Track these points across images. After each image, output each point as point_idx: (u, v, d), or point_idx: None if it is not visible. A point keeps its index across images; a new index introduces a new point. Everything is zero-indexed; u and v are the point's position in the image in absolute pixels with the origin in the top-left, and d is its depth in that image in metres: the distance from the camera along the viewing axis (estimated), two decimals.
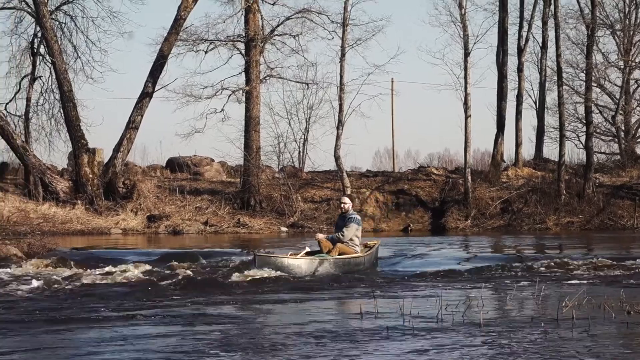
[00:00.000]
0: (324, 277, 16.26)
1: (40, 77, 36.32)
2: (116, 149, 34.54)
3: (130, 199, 34.01)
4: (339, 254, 17.45)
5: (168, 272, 16.23)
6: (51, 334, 9.80)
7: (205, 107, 39.81)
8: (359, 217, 18.15)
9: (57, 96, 35.25)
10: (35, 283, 14.44)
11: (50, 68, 35.43)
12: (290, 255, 17.41)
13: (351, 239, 17.70)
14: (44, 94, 36.44)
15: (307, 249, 17.78)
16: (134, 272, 16.10)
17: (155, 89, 34.96)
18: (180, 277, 15.35)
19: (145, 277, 15.49)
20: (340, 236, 17.59)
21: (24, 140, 34.52)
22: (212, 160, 42.09)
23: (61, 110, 35.02)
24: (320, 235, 18.18)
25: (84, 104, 35.51)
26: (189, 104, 35.25)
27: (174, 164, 41.42)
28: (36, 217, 29.76)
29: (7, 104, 35.73)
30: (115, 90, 59.20)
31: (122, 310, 11.54)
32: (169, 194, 35.49)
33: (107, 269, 16.41)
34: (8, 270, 16.39)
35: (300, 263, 16.85)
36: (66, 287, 14.04)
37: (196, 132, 35.66)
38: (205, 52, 35.54)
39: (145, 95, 34.77)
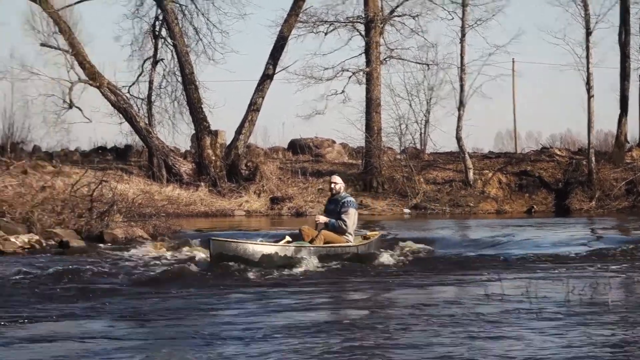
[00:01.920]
0: (301, 268, 14.38)
1: (162, 59, 36.65)
2: (238, 131, 34.68)
3: (253, 181, 34.12)
4: (325, 243, 15.46)
5: None
6: (190, 314, 9.79)
7: (325, 88, 39.76)
8: (354, 200, 16.23)
9: (179, 78, 35.54)
10: (161, 264, 14.55)
11: (171, 51, 35.72)
12: (260, 242, 15.67)
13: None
14: (166, 77, 36.76)
15: (288, 238, 15.74)
16: None
17: (276, 71, 34.97)
18: None
19: None
20: (343, 226, 15.54)
21: (147, 122, 34.93)
22: (334, 141, 42.03)
23: (183, 93, 35.30)
24: (322, 219, 15.88)
25: (205, 86, 35.62)
26: (310, 85, 35.26)
27: (295, 146, 41.51)
28: (160, 199, 30.01)
29: (130, 86, 36.19)
30: (237, 72, 59.56)
31: (252, 286, 11.92)
32: (291, 176, 35.50)
33: None
34: (134, 251, 16.56)
35: (268, 250, 14.76)
36: (192, 269, 13.99)
37: (317, 113, 35.73)
38: (325, 34, 35.43)
39: (266, 77, 34.79)
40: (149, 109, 36.16)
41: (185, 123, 36.47)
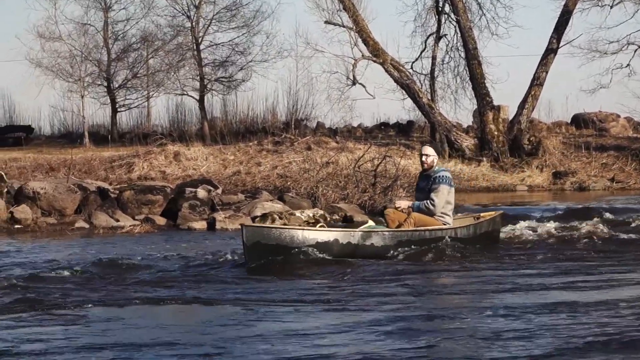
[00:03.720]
0: (372, 258, 11.90)
1: (445, 35, 36.60)
2: (521, 106, 34.09)
3: (535, 156, 33.45)
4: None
5: (574, 228, 15.56)
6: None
7: (610, 62, 38.21)
8: (450, 175, 13.14)
9: (462, 54, 35.37)
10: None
11: (455, 26, 35.57)
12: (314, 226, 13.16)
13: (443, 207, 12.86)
14: (449, 52, 36.72)
15: (370, 223, 13.10)
16: (544, 227, 15.61)
17: (560, 45, 34.10)
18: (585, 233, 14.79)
19: (556, 233, 14.98)
20: (430, 206, 12.65)
21: (429, 98, 35.02)
22: (618, 116, 40.63)
23: (466, 68, 35.09)
24: (402, 203, 13.12)
25: (488, 61, 35.29)
26: (594, 59, 34.26)
27: (578, 120, 40.47)
28: None
29: (413, 62, 36.41)
30: (520, 47, 58.62)
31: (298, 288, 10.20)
32: (575, 151, 34.57)
33: (513, 225, 16.10)
34: None
35: (325, 237, 11.96)
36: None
37: (601, 87, 34.65)
38: (611, 7, 34.11)
39: (550, 52, 33.97)
40: (432, 85, 36.25)
41: (467, 98, 36.35)
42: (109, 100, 42.99)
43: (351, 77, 34.17)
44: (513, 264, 11.94)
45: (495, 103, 34.29)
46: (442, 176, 12.79)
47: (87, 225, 18.01)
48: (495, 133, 33.58)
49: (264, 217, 18.39)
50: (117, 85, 43.06)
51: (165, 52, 41.46)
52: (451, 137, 33.89)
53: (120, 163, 27.73)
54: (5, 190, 20.16)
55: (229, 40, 41.56)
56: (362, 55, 34.04)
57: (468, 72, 34.81)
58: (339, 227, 13.49)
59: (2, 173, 21.54)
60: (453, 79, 36.67)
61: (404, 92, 34.77)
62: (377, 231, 12.39)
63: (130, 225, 17.83)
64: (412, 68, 35.96)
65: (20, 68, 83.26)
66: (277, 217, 18.26)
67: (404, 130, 40.32)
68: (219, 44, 41.65)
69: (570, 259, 12.35)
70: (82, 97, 42.19)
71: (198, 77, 40.97)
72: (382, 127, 41.74)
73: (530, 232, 15.12)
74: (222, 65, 41.47)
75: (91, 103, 43.30)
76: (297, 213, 18.21)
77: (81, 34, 42.50)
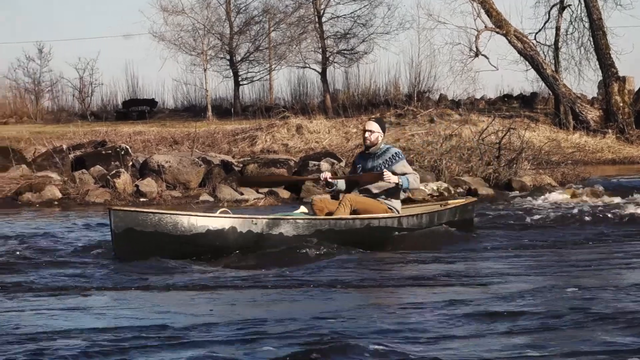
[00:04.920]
0: (280, 253, 9.94)
1: (569, 5, 35.86)
2: None
3: None
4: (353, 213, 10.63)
5: None
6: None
7: None
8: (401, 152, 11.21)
9: (586, 24, 34.67)
10: (573, 211, 14.22)
11: None
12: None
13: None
14: (572, 23, 35.98)
15: (303, 209, 11.06)
16: None
17: None
18: None
19: None
20: (415, 181, 10.84)
21: (553, 69, 34.43)
22: None
23: (590, 39, 34.39)
24: (392, 177, 10.66)
25: (613, 32, 34.49)
26: None
27: None
28: (567, 146, 29.57)
29: (536, 33, 35.84)
30: None
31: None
32: None
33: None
34: (543, 198, 16.49)
35: (218, 224, 9.96)
36: (606, 215, 13.62)
37: None
38: None
39: None
40: (556, 56, 35.63)
41: (592, 69, 35.63)
42: (231, 74, 43.47)
43: (474, 49, 33.89)
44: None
45: (620, 74, 33.53)
46: (398, 153, 10.98)
47: (211, 199, 18.27)
48: (621, 104, 32.90)
49: None
50: (239, 59, 43.50)
51: (287, 25, 41.69)
52: (576, 109, 33.34)
53: (243, 136, 28.04)
54: (131, 163, 20.61)
55: (351, 13, 41.57)
56: (485, 27, 33.67)
57: (592, 43, 34.14)
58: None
59: (127, 146, 22.01)
60: (577, 49, 35.99)
61: (527, 63, 34.33)
62: (288, 219, 10.36)
63: (254, 199, 18.01)
64: (535, 39, 35.43)
65: (144, 41, 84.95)
66: None
67: (527, 102, 39.77)
68: (340, 16, 41.70)
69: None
70: (205, 70, 42.78)
71: (320, 50, 41.09)
72: (506, 99, 41.24)
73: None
74: (343, 38, 41.51)
75: (214, 76, 43.93)
76: (421, 186, 18.13)
77: (204, 7, 43.05)
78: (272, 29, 43.05)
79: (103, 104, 46.76)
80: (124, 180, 19.08)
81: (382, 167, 10.72)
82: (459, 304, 7.17)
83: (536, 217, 13.71)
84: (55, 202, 18.76)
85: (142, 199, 18.70)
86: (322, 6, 41.25)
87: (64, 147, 22.91)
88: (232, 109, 40.85)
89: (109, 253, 10.01)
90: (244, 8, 44.04)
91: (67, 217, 15.55)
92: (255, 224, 10.08)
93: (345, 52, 41.57)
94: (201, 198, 18.39)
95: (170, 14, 42.53)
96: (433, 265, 9.58)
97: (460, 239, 11.28)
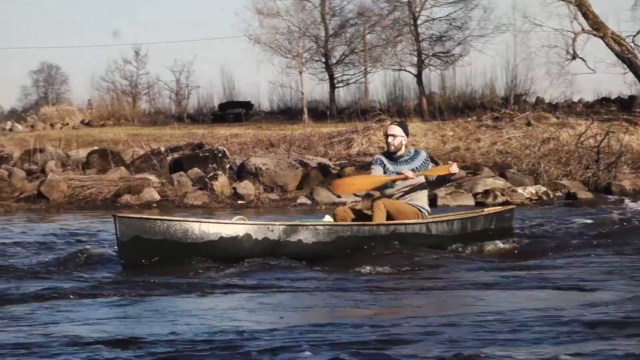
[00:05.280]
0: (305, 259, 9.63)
1: None
2: None
3: None
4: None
5: None
6: None
7: None
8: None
9: None
10: None
11: None
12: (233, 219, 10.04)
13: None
14: None
15: (328, 218, 10.56)
16: None
17: None
18: None
19: None
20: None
21: None
22: None
23: None
24: (409, 175, 10.40)
25: None
26: None
27: None
28: None
29: (634, 36, 35.07)
30: None
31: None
32: None
33: None
34: None
35: (232, 231, 9.55)
36: None
37: None
38: None
39: None
40: None
41: None
42: (327, 76, 43.55)
43: (571, 52, 33.36)
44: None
45: None
46: (428, 157, 10.84)
47: (309, 202, 18.34)
48: None
49: (485, 193, 18.25)
50: (334, 61, 43.56)
51: (382, 28, 41.58)
52: None
53: (339, 139, 28.07)
54: (228, 166, 20.82)
55: (446, 15, 41.24)
56: (582, 29, 33.14)
57: None
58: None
59: (224, 149, 22.22)
60: None
61: (625, 66, 33.68)
62: (307, 225, 9.94)
63: (352, 201, 18.01)
64: (633, 42, 34.68)
65: (239, 44, 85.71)
66: (499, 194, 18.09)
67: (626, 105, 38.96)
68: (435, 18, 41.40)
69: None
70: (301, 73, 42.94)
71: (415, 53, 40.90)
72: (604, 102, 40.47)
73: None
74: (439, 40, 41.23)
75: (309, 79, 44.03)
76: (519, 190, 17.95)
77: (299, 9, 43.17)
78: (367, 31, 43.01)
79: (199, 107, 47.21)
80: (221, 183, 19.29)
81: (420, 171, 10.48)
82: (552, 310, 7.01)
83: (636, 222, 13.43)
84: (154, 205, 19.02)
85: (239, 202, 18.86)
86: (418, 9, 41.05)
87: (162, 149, 23.25)
88: (328, 112, 40.92)
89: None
90: (339, 11, 44.09)
91: None
92: (272, 230, 9.69)
93: (441, 54, 41.28)
94: (299, 201, 18.47)
95: (265, 16, 42.78)
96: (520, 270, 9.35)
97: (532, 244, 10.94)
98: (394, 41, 41.00)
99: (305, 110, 41.46)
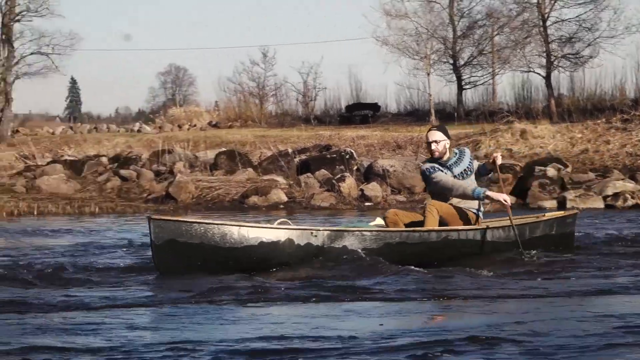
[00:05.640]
0: (346, 269, 9.01)
1: None
2: None
3: None
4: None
5: None
6: None
7: None
8: None
9: None
10: None
11: None
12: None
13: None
14: None
15: (379, 221, 10.05)
16: None
17: None
18: None
19: None
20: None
21: None
22: None
23: None
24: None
25: None
26: None
27: None
28: None
29: None
30: None
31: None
32: None
33: None
34: None
35: (271, 236, 9.12)
36: None
37: None
38: None
39: None
40: None
41: None
42: (454, 78, 43.28)
43: None
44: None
45: None
46: (469, 152, 10.27)
47: None
48: None
49: (615, 196, 17.88)
50: (462, 63, 43.26)
51: (511, 29, 41.08)
52: None
53: (466, 141, 27.81)
54: (355, 167, 20.86)
55: (576, 16, 40.51)
56: None
57: None
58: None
59: (352, 151, 22.28)
60: None
61: None
62: (353, 230, 9.42)
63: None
64: None
65: (367, 46, 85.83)
66: (629, 197, 17.70)
67: None
68: (565, 20, 40.71)
69: None
70: (428, 74, 42.77)
71: (544, 54, 40.28)
72: None
73: None
74: (568, 42, 40.52)
75: (437, 80, 43.83)
76: None
77: (427, 11, 43.03)
78: (495, 33, 42.58)
79: (326, 108, 47.48)
80: (349, 185, 19.34)
81: (470, 172, 9.95)
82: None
83: None
84: (281, 206, 19.16)
85: (366, 203, 18.89)
86: (547, 10, 40.42)
87: (289, 150, 23.45)
88: (455, 113, 40.66)
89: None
90: (467, 12, 43.79)
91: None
92: (316, 236, 9.21)
93: (570, 56, 40.57)
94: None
95: (393, 18, 42.77)
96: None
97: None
98: (523, 42, 40.49)
99: (433, 111, 41.28)
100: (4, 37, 41.31)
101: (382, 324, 6.68)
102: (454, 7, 43.41)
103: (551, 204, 17.81)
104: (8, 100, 41.15)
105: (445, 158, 9.94)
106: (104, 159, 24.72)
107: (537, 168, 19.34)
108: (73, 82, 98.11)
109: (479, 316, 6.96)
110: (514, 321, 6.60)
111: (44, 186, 21.95)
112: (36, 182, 22.34)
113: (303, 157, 22.83)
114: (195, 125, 45.30)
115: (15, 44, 41.90)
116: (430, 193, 10.08)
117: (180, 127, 45.50)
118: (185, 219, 9.21)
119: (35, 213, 18.52)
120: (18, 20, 41.81)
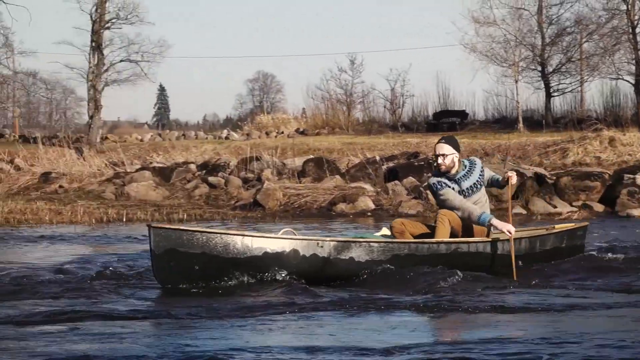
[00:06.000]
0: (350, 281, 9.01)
1: None
2: None
3: None
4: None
5: None
6: None
7: None
8: None
9: None
10: None
11: None
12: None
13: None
14: None
15: (385, 231, 10.13)
16: None
17: None
18: None
19: None
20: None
21: None
22: None
23: None
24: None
25: None
26: None
27: None
28: None
29: None
30: None
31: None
32: None
33: None
34: None
35: (276, 246, 8.90)
36: None
37: None
38: None
39: None
40: None
41: None
42: (542, 85, 42.96)
43: None
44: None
45: None
46: (479, 162, 10.00)
47: (524, 211, 18.25)
48: None
49: None
50: (550, 70, 42.92)
51: (600, 36, 40.65)
52: None
53: (554, 148, 27.66)
54: None
55: None
56: None
57: None
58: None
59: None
60: None
61: None
62: (360, 241, 9.22)
63: (567, 212, 17.84)
64: None
65: (455, 53, 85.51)
66: None
67: None
68: None
69: None
70: (516, 81, 42.51)
71: (633, 61, 39.75)
72: None
73: None
74: None
75: (525, 88, 43.56)
76: None
77: (515, 18, 42.75)
78: (584, 40, 42.16)
79: (414, 115, 47.46)
80: None
81: (481, 185, 9.72)
82: None
83: None
84: (369, 213, 19.29)
85: None
86: (636, 17, 39.90)
87: (377, 158, 23.58)
88: (543, 121, 40.36)
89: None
90: (555, 19, 43.43)
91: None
92: (322, 246, 8.99)
93: None
94: (513, 210, 18.40)
95: (481, 25, 42.61)
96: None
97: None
98: (612, 49, 40.02)
99: (520, 119, 41.01)
100: (93, 44, 42.28)
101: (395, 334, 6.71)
102: (543, 14, 43.10)
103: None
104: (97, 107, 42.10)
105: (453, 172, 9.73)
106: (192, 166, 25.12)
107: (626, 176, 19.20)
108: (161, 89, 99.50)
109: (510, 329, 6.95)
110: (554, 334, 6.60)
111: (132, 193, 22.43)
112: (125, 189, 22.83)
113: (390, 164, 22.96)
114: (282, 133, 45.69)
115: (105, 51, 42.89)
116: (438, 207, 9.94)
117: (267, 134, 45.94)
118: (187, 228, 8.98)
119: (124, 220, 18.92)
120: (108, 28, 42.76)
